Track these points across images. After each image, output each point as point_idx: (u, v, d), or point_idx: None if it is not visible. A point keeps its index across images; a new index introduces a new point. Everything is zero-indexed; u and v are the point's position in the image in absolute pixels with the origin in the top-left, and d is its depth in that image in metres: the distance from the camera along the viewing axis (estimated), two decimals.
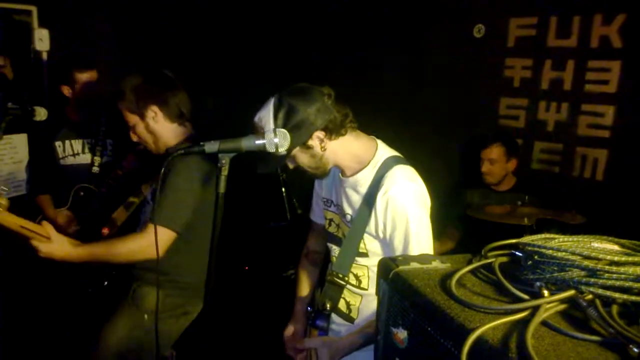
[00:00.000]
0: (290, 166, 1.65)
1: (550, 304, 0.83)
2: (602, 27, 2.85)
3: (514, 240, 1.04)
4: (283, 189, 3.86)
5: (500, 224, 2.63)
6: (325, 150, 1.57)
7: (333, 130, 1.54)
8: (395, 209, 1.54)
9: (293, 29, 4.26)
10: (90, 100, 2.83)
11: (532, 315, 0.80)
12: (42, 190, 2.90)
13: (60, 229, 2.08)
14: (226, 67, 4.22)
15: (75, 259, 1.90)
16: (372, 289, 1.61)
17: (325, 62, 4.11)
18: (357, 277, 1.73)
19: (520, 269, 0.93)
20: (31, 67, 3.26)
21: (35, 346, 2.75)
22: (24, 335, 2.72)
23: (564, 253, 0.85)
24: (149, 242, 1.76)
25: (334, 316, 1.79)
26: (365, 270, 1.71)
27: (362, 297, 1.74)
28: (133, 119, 2.06)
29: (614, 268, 0.82)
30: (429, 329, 0.87)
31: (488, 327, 0.78)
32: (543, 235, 0.97)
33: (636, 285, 0.79)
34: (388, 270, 1.03)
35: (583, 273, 0.83)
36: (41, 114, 2.16)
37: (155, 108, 2.05)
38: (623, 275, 0.80)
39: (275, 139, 1.40)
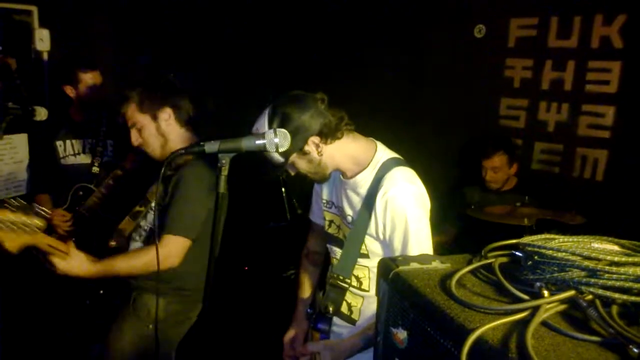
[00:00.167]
0: (292, 173, 1.65)
1: (550, 304, 0.82)
2: (603, 27, 2.85)
3: (514, 241, 1.04)
4: (283, 189, 3.86)
5: (500, 224, 2.64)
6: (322, 154, 1.57)
7: (328, 134, 1.55)
8: (394, 209, 1.54)
9: (293, 29, 4.25)
10: (94, 100, 2.84)
11: (532, 315, 0.80)
12: (42, 189, 2.91)
13: (54, 229, 2.07)
14: (226, 67, 4.22)
15: (94, 275, 1.88)
16: (374, 290, 1.61)
17: (325, 62, 4.11)
18: (358, 278, 1.73)
19: (520, 269, 0.93)
20: (32, 67, 3.26)
21: (35, 346, 2.75)
22: (24, 335, 2.72)
23: (564, 253, 0.85)
24: (168, 253, 1.85)
25: (335, 318, 1.79)
26: (366, 272, 1.71)
27: (363, 299, 1.74)
28: (143, 119, 2.04)
29: (614, 268, 0.82)
30: (429, 329, 0.87)
31: (488, 328, 0.78)
32: (543, 236, 0.97)
33: (636, 285, 0.79)
34: (388, 270, 1.03)
35: (583, 273, 0.83)
36: (41, 113, 2.16)
37: (169, 110, 2.07)
38: (623, 276, 0.80)
39: (275, 138, 1.41)
